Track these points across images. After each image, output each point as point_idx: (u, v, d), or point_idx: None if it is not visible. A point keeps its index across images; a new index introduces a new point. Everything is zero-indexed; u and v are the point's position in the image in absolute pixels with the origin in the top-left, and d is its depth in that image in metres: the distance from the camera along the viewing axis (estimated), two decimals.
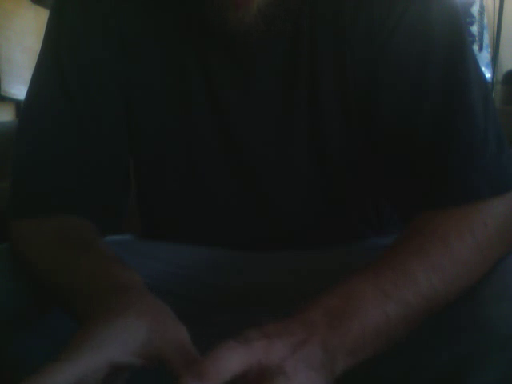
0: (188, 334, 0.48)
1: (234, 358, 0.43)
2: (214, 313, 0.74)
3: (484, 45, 3.99)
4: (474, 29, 4.00)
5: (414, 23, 0.63)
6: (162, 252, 0.77)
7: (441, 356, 0.54)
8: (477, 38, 3.99)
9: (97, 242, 0.64)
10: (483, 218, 0.57)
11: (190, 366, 0.44)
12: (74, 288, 0.57)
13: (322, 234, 0.75)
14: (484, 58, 3.97)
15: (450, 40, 0.63)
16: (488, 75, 3.74)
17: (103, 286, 0.53)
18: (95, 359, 0.45)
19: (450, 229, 0.56)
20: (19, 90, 3.38)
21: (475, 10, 4.00)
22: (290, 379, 0.43)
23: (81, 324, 0.51)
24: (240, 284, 0.75)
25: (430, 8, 0.63)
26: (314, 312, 0.48)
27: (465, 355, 0.52)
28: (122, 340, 0.46)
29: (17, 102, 3.46)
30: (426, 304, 0.52)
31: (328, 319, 0.48)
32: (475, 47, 3.97)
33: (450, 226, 0.56)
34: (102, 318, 0.48)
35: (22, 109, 0.74)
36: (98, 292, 0.53)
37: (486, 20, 3.99)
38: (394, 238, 0.59)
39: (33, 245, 0.65)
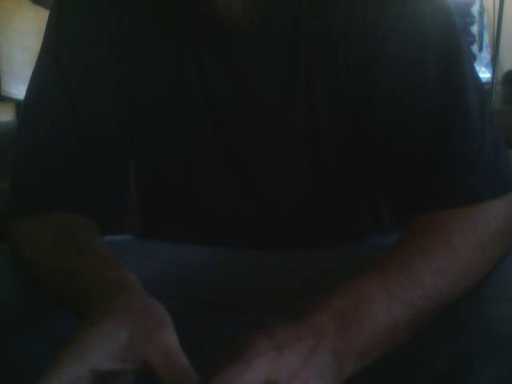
0: (175, 335, 0.47)
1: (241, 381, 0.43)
2: (214, 313, 0.74)
3: (484, 45, 3.99)
4: (474, 29, 4.00)
5: (408, 27, 0.63)
6: (162, 252, 0.77)
7: (441, 356, 0.54)
8: (477, 38, 3.99)
9: (94, 241, 0.64)
10: (485, 218, 0.57)
11: (176, 369, 0.44)
12: (72, 288, 0.57)
13: (321, 233, 0.75)
14: (484, 58, 3.97)
15: (445, 43, 0.63)
16: (488, 75, 3.74)
17: (98, 286, 0.53)
18: (76, 369, 0.44)
19: (452, 229, 0.56)
20: (19, 90, 3.38)
21: (475, 10, 3.99)
22: None
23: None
24: (240, 284, 0.75)
25: (424, 11, 0.63)
26: (322, 315, 0.48)
27: (465, 355, 0.52)
28: (102, 346, 0.45)
29: (17, 102, 3.45)
30: (431, 305, 0.52)
31: (337, 323, 0.48)
32: (475, 47, 3.97)
33: (453, 226, 0.56)
34: (84, 325, 0.47)
35: (22, 108, 0.74)
36: (93, 292, 0.53)
37: (486, 20, 3.99)
38: (394, 237, 0.59)
39: (32, 245, 0.65)
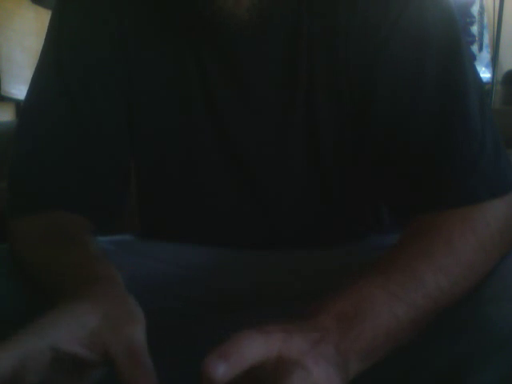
0: (143, 334, 0.46)
1: (255, 346, 0.43)
2: (214, 313, 0.74)
3: (484, 45, 3.99)
4: (474, 29, 4.00)
5: (409, 28, 0.63)
6: (162, 252, 0.77)
7: (441, 356, 0.54)
8: (477, 38, 3.99)
9: (82, 236, 0.64)
10: (485, 218, 0.57)
11: (136, 368, 0.43)
12: (56, 285, 0.57)
13: (321, 233, 0.75)
14: (484, 58, 3.97)
15: (446, 43, 0.63)
16: (488, 75, 3.74)
17: (76, 280, 0.53)
18: (37, 342, 0.44)
19: (452, 229, 0.56)
20: (19, 90, 3.38)
21: (475, 9, 3.99)
22: (310, 374, 0.42)
23: None
24: (240, 284, 0.75)
25: (425, 12, 0.63)
26: (324, 317, 0.48)
27: (465, 355, 0.52)
28: (68, 326, 0.46)
29: (17, 102, 3.46)
30: (433, 305, 0.52)
31: (339, 325, 0.48)
32: (475, 47, 3.97)
33: (453, 226, 0.57)
34: (53, 309, 0.47)
35: (22, 108, 0.74)
36: (70, 285, 0.53)
37: (486, 20, 3.99)
38: (394, 237, 0.59)
39: (28, 244, 0.65)
